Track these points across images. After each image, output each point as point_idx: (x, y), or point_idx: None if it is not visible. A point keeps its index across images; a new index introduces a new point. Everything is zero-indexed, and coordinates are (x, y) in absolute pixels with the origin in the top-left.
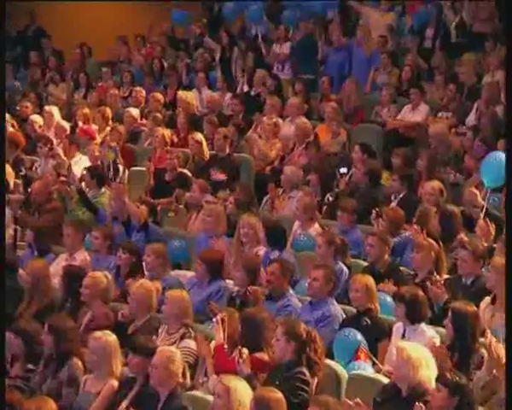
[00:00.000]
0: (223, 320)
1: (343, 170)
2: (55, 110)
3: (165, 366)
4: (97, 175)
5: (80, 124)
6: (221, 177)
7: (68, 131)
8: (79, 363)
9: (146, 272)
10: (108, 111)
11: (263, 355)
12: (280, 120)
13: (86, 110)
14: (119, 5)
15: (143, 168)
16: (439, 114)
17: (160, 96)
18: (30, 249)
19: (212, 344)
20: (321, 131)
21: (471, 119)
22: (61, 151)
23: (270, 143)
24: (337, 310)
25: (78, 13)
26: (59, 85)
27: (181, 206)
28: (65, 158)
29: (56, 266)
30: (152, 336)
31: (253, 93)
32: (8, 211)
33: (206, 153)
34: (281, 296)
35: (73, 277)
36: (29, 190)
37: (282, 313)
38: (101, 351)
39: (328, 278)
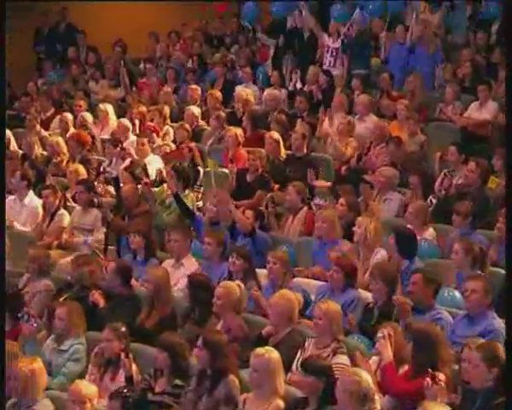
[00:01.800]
0: (390, 336)
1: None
2: (109, 108)
3: (353, 389)
4: (184, 176)
5: (137, 122)
6: (324, 184)
7: (131, 130)
8: (236, 380)
9: (268, 280)
10: (166, 109)
11: (439, 375)
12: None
13: (143, 108)
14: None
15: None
16: None
17: (218, 93)
18: (132, 255)
19: (371, 361)
20: (393, 129)
21: None
22: (133, 151)
23: (344, 141)
24: (500, 324)
25: (107, 9)
26: (99, 82)
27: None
28: (137, 158)
29: None
30: (295, 350)
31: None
32: (96, 214)
33: (283, 152)
34: (428, 308)
35: (201, 286)
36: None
37: None
38: (264, 368)
39: (488, 290)
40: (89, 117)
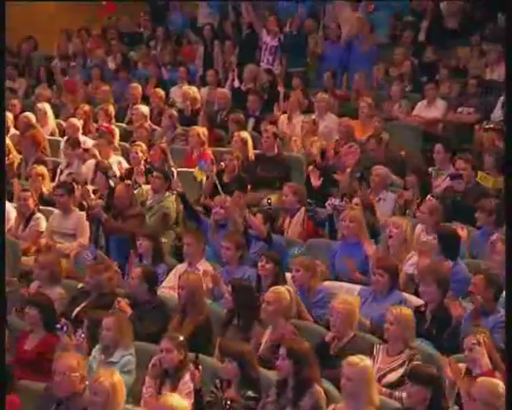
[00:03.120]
0: (484, 342)
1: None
2: (47, 107)
3: (488, 400)
4: (168, 178)
5: (81, 122)
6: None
7: (81, 130)
8: (322, 391)
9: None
10: (111, 108)
11: None
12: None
13: (87, 108)
14: None
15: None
16: (459, 110)
17: (161, 92)
18: (137, 259)
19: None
20: (355, 127)
21: (497, 114)
22: (97, 152)
23: (309, 141)
24: None
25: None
26: (16, 80)
27: None
28: (101, 159)
29: (175, 278)
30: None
31: (243, 88)
32: (78, 218)
33: (252, 152)
34: (492, 311)
35: (244, 290)
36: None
37: (499, 330)
38: (360, 377)
39: None
40: (32, 117)
